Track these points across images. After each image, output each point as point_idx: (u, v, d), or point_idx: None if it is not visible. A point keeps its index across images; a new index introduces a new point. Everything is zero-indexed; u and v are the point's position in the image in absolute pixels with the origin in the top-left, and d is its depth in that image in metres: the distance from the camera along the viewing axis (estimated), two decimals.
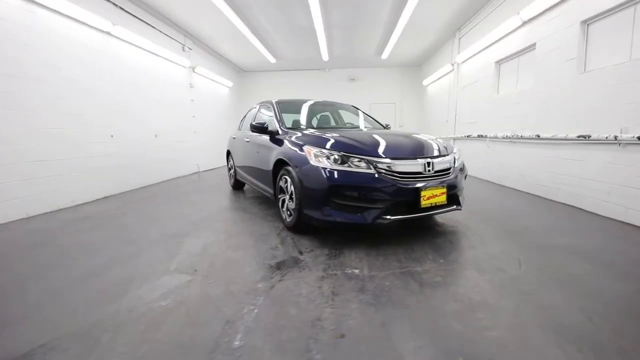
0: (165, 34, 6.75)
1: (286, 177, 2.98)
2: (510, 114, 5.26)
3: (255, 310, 1.68)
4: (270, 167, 3.32)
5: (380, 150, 2.62)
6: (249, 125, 4.79)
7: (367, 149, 2.60)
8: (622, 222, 3.15)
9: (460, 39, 7.43)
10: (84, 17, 4.50)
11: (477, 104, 6.50)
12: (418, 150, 2.73)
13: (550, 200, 4.22)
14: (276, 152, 3.22)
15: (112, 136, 5.19)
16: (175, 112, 7.22)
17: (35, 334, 1.51)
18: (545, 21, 4.31)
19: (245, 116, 5.38)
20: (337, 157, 2.55)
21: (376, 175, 2.46)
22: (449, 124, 8.18)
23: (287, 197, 3.00)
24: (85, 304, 1.79)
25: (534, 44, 4.62)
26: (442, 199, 2.63)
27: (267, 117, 4.07)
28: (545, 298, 1.78)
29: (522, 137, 4.80)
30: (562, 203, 4.01)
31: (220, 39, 8.03)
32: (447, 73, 8.25)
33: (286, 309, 1.70)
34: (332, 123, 4.33)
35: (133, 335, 1.49)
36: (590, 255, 2.37)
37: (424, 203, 2.53)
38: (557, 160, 4.12)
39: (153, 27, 6.28)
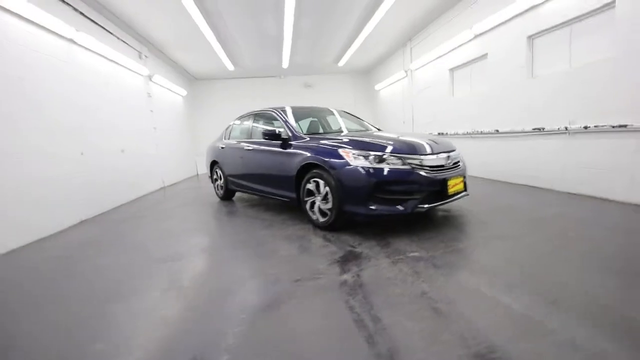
0: (123, 41, 6.26)
1: (317, 179, 3.15)
2: (467, 113, 6.13)
3: (365, 297, 1.86)
4: (293, 172, 3.45)
5: (410, 148, 2.97)
6: (242, 134, 4.81)
7: (400, 148, 2.92)
8: (575, 194, 4.01)
9: (411, 48, 8.31)
10: (46, 21, 4.02)
11: (435, 105, 7.36)
12: (436, 147, 3.15)
13: (511, 183, 5.08)
14: (301, 158, 3.36)
15: (82, 154, 4.67)
16: (137, 125, 6.70)
17: None
18: (496, 35, 5.19)
19: (231, 126, 5.33)
20: (375, 156, 2.84)
21: (411, 170, 2.81)
22: (405, 124, 9.03)
23: (319, 198, 3.18)
24: None
25: (486, 54, 5.50)
26: (461, 186, 3.10)
27: (274, 124, 4.16)
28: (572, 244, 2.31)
29: (482, 133, 5.66)
30: (522, 184, 4.87)
31: (178, 46, 7.67)
32: (401, 79, 9.10)
33: (390, 289, 1.92)
34: (321, 129, 4.49)
35: None
36: (576, 218, 3.04)
37: (450, 191, 2.96)
38: (515, 150, 4.99)
39: (111, 33, 5.79)
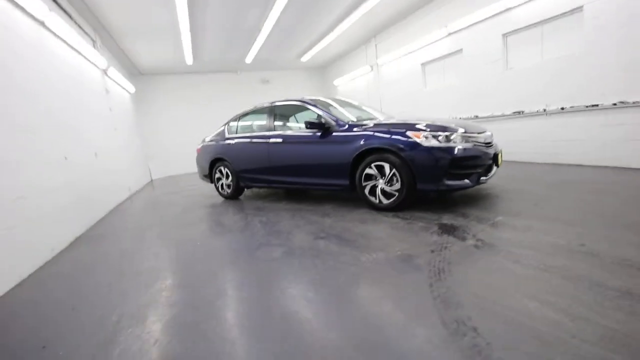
0: (80, 26, 5.31)
1: (382, 163, 3.26)
2: (442, 102, 6.85)
3: (511, 252, 2.08)
4: (349, 159, 3.49)
5: (470, 128, 3.30)
6: (259, 129, 4.59)
7: (459, 128, 3.21)
8: (555, 163, 4.89)
9: (376, 45, 8.83)
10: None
11: (406, 97, 7.99)
12: (478, 127, 3.54)
13: None
14: (358, 144, 3.42)
15: (66, 158, 3.88)
16: (101, 124, 5.76)
17: None
18: (471, 33, 5.92)
19: (235, 122, 5.03)
20: (444, 136, 3.08)
21: (476, 147, 3.14)
22: None
23: (381, 181, 3.30)
24: None
25: (461, 49, 6.24)
26: (501, 159, 3.56)
27: (305, 115, 4.15)
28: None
29: (460, 119, 6.41)
30: (505, 160, 5.70)
31: (139, 34, 6.77)
32: (366, 74, 9.58)
33: (524, 242, 2.17)
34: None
35: None
36: (581, 180, 3.76)
37: (499, 163, 3.38)
38: (495, 132, 5.79)
39: (70, 16, 4.87)
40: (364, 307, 1.69)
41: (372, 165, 3.34)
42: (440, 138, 3.07)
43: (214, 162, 5.14)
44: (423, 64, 7.33)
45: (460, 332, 1.37)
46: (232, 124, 5.10)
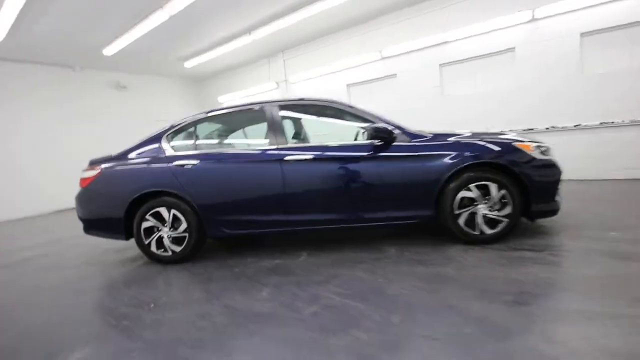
0: None
1: (485, 182, 2.54)
2: None
3: None
4: (439, 179, 2.56)
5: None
6: (251, 140, 2.99)
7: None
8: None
9: (285, 60, 8.06)
10: None
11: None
12: None
13: None
14: (449, 159, 2.56)
15: None
16: None
17: None
18: (406, 59, 6.17)
19: (191, 125, 3.01)
20: (546, 148, 2.70)
21: None
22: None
23: (483, 206, 2.57)
24: None
25: (395, 74, 6.40)
26: None
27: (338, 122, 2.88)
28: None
29: None
30: None
31: None
32: (269, 90, 8.53)
33: None
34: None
35: None
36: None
37: None
38: None
39: None
40: None
41: (471, 186, 2.55)
42: (543, 150, 2.68)
43: (142, 201, 2.83)
44: (349, 85, 7.14)
45: None
46: (179, 134, 3.02)
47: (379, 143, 2.66)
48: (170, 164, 2.82)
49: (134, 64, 7.78)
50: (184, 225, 2.79)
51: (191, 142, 3.03)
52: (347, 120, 2.97)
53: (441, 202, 2.60)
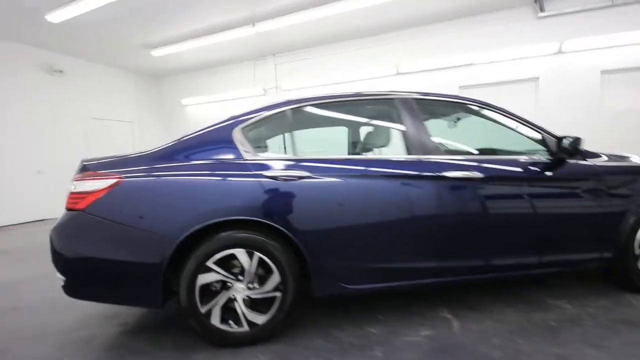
0: None
1: None
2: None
3: None
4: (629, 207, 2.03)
5: None
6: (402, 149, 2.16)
7: None
8: None
9: (277, 65, 7.15)
10: None
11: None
12: None
13: None
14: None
15: None
16: None
17: None
18: (423, 78, 5.87)
19: (296, 108, 1.97)
20: None
21: None
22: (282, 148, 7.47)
23: None
24: None
25: None
26: None
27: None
28: None
29: None
30: None
31: None
32: (254, 96, 7.44)
33: None
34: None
35: None
36: None
37: None
38: None
39: None
40: None
41: None
42: None
43: (196, 237, 1.63)
44: None
45: None
46: (262, 127, 1.95)
47: (550, 160, 2.05)
48: (259, 176, 1.72)
49: (82, 42, 5.97)
50: (275, 279, 1.68)
51: (287, 140, 1.97)
52: (507, 128, 2.28)
53: (621, 240, 2.06)
